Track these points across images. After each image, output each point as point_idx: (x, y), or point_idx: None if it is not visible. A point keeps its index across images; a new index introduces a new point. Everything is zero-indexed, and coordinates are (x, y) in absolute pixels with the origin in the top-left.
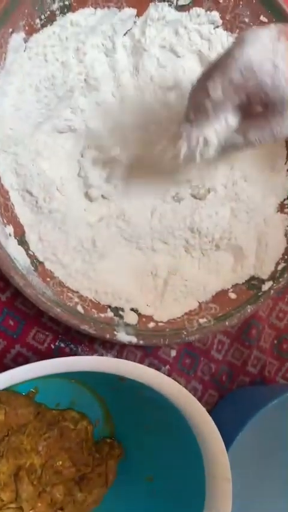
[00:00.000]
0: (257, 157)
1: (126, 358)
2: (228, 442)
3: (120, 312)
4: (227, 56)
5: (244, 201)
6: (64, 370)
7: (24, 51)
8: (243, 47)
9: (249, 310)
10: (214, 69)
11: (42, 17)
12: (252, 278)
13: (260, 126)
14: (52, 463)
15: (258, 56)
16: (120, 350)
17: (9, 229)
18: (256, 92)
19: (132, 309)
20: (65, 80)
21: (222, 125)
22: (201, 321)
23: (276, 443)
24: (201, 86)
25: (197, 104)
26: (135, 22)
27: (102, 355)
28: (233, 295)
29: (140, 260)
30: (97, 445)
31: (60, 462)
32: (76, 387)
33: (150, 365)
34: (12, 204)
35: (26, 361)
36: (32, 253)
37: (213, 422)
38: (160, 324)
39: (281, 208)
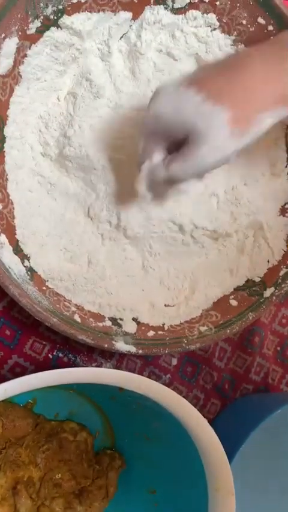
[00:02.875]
0: (257, 161)
1: (126, 367)
2: (231, 453)
3: (119, 321)
4: (147, 109)
5: (245, 205)
6: (61, 382)
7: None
8: (154, 99)
9: (250, 318)
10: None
11: (36, 21)
12: (253, 284)
13: (183, 159)
14: (51, 475)
15: (164, 104)
16: (120, 359)
17: (3, 238)
18: (170, 132)
19: (132, 318)
20: (61, 87)
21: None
22: (202, 328)
23: (281, 453)
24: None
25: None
26: (130, 26)
27: (101, 364)
28: (234, 302)
29: (139, 267)
30: (97, 456)
31: (60, 475)
32: (75, 397)
33: (150, 374)
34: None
35: (24, 371)
36: (27, 265)
37: (215, 434)
38: (160, 332)
39: (283, 212)
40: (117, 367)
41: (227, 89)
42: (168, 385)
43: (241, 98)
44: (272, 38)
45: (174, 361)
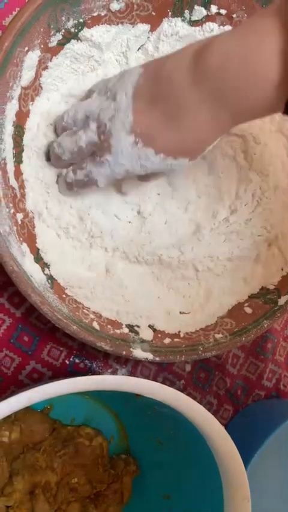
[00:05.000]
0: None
1: (141, 373)
2: (246, 459)
3: (136, 328)
4: (103, 158)
5: (264, 216)
6: (81, 389)
7: (43, 74)
8: (114, 156)
9: (265, 325)
10: (95, 163)
11: (58, 34)
12: (268, 292)
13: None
14: (67, 480)
15: (129, 163)
16: (135, 365)
17: (24, 247)
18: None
19: (149, 325)
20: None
21: None
22: (217, 336)
23: None
24: (85, 174)
25: (85, 186)
26: (148, 37)
27: (116, 370)
28: (248, 310)
29: (153, 277)
30: (112, 461)
31: (76, 479)
32: (91, 403)
33: (164, 380)
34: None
35: (41, 377)
36: (48, 273)
37: (231, 441)
38: (176, 339)
39: None
40: (131, 373)
41: (179, 146)
42: (182, 391)
43: (192, 147)
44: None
45: (188, 367)
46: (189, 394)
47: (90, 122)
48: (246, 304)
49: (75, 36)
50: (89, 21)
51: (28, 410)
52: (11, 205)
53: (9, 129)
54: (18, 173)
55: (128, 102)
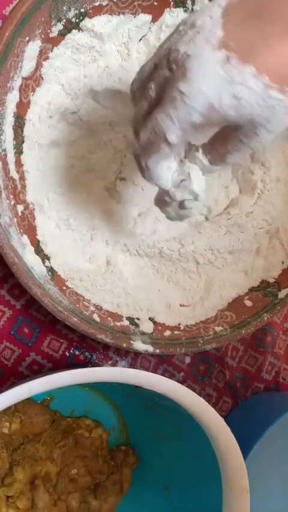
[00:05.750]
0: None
1: (141, 365)
2: (245, 451)
3: (136, 321)
4: (174, 91)
5: (261, 219)
6: (82, 381)
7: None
8: (192, 81)
9: (265, 318)
10: (162, 107)
11: (59, 24)
12: (268, 285)
13: (236, 149)
14: (67, 471)
15: (215, 91)
16: (135, 357)
17: (25, 239)
18: (221, 122)
19: (149, 318)
20: (80, 89)
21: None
22: (217, 329)
23: None
24: (151, 128)
25: (151, 148)
26: (150, 28)
27: (116, 362)
28: (248, 303)
29: (154, 270)
30: (112, 452)
31: (76, 470)
32: (91, 394)
33: (164, 372)
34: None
35: (41, 368)
36: (48, 265)
37: (231, 433)
38: (176, 332)
39: None
40: (131, 365)
41: None
42: (181, 383)
43: None
44: None
45: (188, 360)
46: (188, 386)
47: (162, 60)
48: (246, 297)
49: (77, 26)
50: (90, 11)
51: (28, 401)
52: (11, 196)
53: (9, 120)
54: (18, 164)
55: (214, 21)
